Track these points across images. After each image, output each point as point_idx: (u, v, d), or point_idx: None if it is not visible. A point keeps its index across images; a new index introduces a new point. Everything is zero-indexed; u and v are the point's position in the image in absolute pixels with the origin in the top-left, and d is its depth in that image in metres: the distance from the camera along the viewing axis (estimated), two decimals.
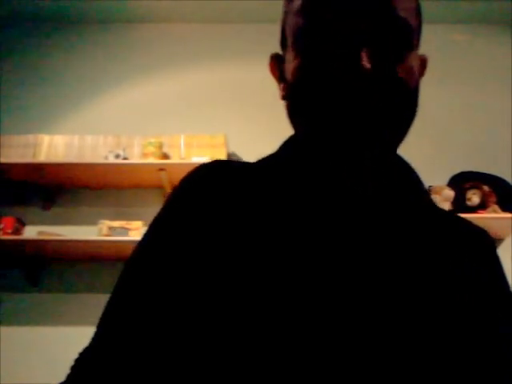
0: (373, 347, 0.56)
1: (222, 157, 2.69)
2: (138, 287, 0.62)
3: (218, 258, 0.60)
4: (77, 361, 0.61)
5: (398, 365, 0.57)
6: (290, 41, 0.67)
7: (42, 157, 2.71)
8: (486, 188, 2.57)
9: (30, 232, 2.62)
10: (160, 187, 2.66)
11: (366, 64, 0.59)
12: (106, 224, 2.50)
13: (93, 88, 3.02)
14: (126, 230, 2.46)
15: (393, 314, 0.59)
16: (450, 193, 2.56)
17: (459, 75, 3.05)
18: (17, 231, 2.56)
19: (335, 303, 0.57)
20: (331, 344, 0.56)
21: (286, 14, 0.69)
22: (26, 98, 2.98)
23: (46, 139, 2.77)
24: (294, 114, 0.67)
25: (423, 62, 0.71)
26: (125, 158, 2.65)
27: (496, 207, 2.57)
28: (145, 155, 2.66)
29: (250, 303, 0.57)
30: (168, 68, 3.04)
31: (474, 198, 2.56)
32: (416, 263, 0.63)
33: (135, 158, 2.71)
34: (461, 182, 2.63)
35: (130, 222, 2.48)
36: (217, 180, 0.65)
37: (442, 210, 0.75)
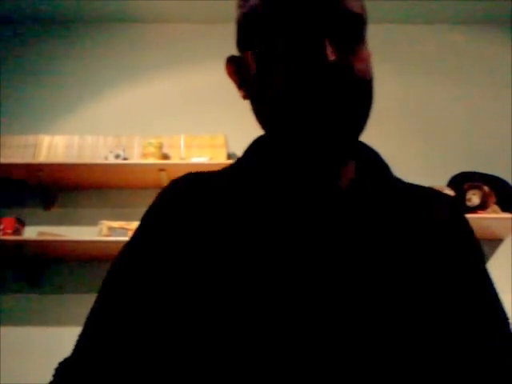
0: (336, 330, 0.58)
1: (223, 157, 2.69)
2: (110, 297, 0.65)
3: (186, 261, 0.63)
4: (61, 363, 0.64)
5: (360, 340, 0.58)
6: (252, 36, 0.67)
7: (42, 157, 2.71)
8: (485, 188, 2.57)
9: (30, 232, 2.62)
10: (160, 188, 2.65)
11: (330, 54, 0.60)
12: (105, 224, 2.50)
13: (93, 88, 3.02)
14: (126, 231, 2.46)
15: (354, 292, 0.60)
16: (449, 193, 2.56)
17: (459, 75, 3.05)
18: (17, 231, 2.56)
19: (300, 288, 0.60)
20: (298, 327, 0.58)
21: (241, 12, 0.69)
22: (25, 98, 2.97)
23: (46, 139, 2.77)
24: (260, 114, 0.69)
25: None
26: (125, 159, 2.65)
27: (496, 207, 2.57)
28: (145, 155, 2.66)
29: (218, 297, 0.60)
30: (168, 68, 3.04)
31: (473, 198, 2.56)
32: (381, 249, 0.64)
33: (135, 159, 2.71)
34: (461, 182, 2.63)
35: (130, 223, 2.48)
36: (184, 193, 0.69)
37: (411, 187, 0.75)
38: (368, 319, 0.59)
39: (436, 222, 0.69)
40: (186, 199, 0.68)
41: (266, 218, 0.64)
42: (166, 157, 2.72)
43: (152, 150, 2.65)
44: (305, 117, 0.62)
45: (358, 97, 0.63)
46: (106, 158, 2.65)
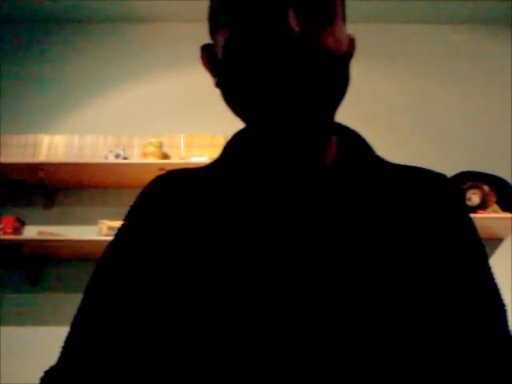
0: (316, 325, 0.56)
1: None
2: (95, 300, 0.64)
3: (170, 258, 0.62)
4: (47, 372, 0.62)
5: (340, 338, 0.56)
6: (217, 20, 0.64)
7: (42, 157, 2.71)
8: (485, 188, 2.57)
9: (30, 232, 2.62)
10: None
11: (294, 26, 0.56)
12: (106, 224, 2.50)
13: (93, 88, 3.02)
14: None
15: (342, 282, 0.58)
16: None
17: (459, 75, 3.05)
18: (17, 231, 2.56)
19: (287, 278, 0.58)
20: (275, 322, 0.56)
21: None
22: (25, 98, 2.97)
23: (46, 139, 2.77)
24: (228, 98, 0.64)
25: (352, 42, 0.68)
26: (125, 158, 2.65)
27: (496, 207, 2.57)
28: (145, 155, 2.66)
29: (203, 292, 0.58)
30: (168, 68, 3.04)
31: (473, 197, 2.56)
32: (369, 231, 0.61)
33: (135, 158, 2.71)
34: (461, 181, 2.63)
35: None
36: (164, 191, 0.68)
37: (396, 167, 0.71)
38: (355, 310, 0.57)
39: (427, 202, 0.65)
40: (168, 196, 0.67)
41: (249, 207, 0.62)
42: (166, 156, 2.72)
43: (152, 149, 2.65)
44: (268, 96, 0.58)
45: (323, 73, 0.58)
46: (106, 158, 2.65)
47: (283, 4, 0.57)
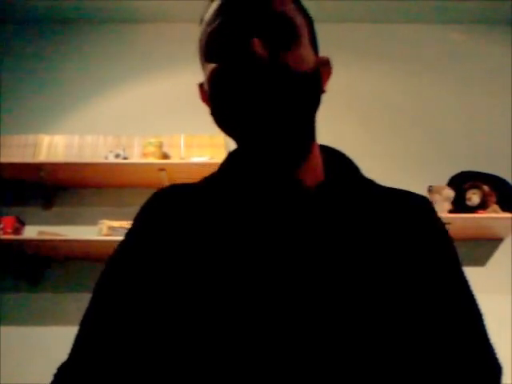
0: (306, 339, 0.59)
1: (222, 157, 2.68)
2: (103, 303, 0.69)
3: (168, 268, 0.67)
4: (59, 368, 0.66)
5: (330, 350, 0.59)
6: (200, 56, 0.73)
7: (42, 157, 2.71)
8: (485, 188, 2.57)
9: (30, 232, 2.62)
10: (160, 187, 2.66)
11: (260, 52, 0.62)
12: (106, 224, 2.50)
13: (93, 87, 3.02)
14: (126, 230, 2.46)
15: (325, 297, 0.61)
16: (449, 192, 2.56)
17: (459, 75, 3.05)
18: (17, 231, 2.56)
19: (272, 295, 0.61)
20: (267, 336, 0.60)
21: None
22: (25, 98, 2.97)
23: (45, 139, 2.77)
24: (218, 124, 0.71)
25: (325, 63, 0.74)
26: (125, 158, 2.65)
27: (496, 207, 2.57)
28: (145, 155, 2.66)
29: (195, 303, 0.63)
30: (168, 68, 3.04)
31: (473, 197, 2.56)
32: (351, 250, 0.65)
33: (135, 158, 2.71)
34: (461, 181, 2.63)
35: (130, 222, 2.47)
36: (162, 205, 0.74)
37: (381, 189, 0.75)
38: (337, 323, 0.60)
39: (407, 223, 0.69)
40: (166, 210, 0.73)
41: (237, 226, 0.67)
42: (165, 156, 2.72)
43: (152, 149, 2.65)
44: (245, 119, 0.64)
45: (291, 91, 0.63)
46: (106, 158, 2.65)
47: (249, 34, 0.64)
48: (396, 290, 0.63)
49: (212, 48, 0.68)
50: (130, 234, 0.75)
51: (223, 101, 0.66)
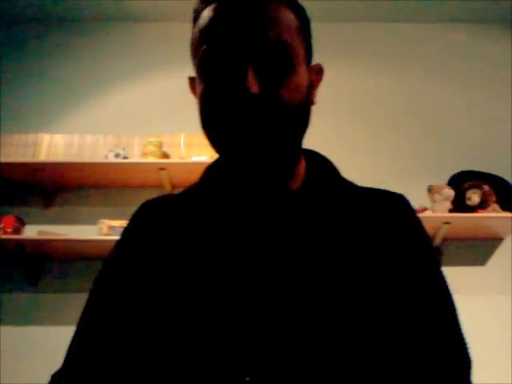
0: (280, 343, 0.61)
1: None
2: (91, 313, 0.73)
3: (150, 277, 0.70)
4: (53, 376, 0.68)
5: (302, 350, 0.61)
6: (195, 68, 0.72)
7: (42, 156, 2.71)
8: (485, 187, 2.57)
9: (30, 231, 2.62)
10: (160, 186, 2.66)
11: (252, 85, 0.62)
12: (106, 223, 2.50)
13: (93, 87, 3.02)
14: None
15: (302, 298, 0.63)
16: (449, 192, 2.56)
17: (459, 75, 3.05)
18: (17, 230, 2.56)
19: (249, 298, 0.64)
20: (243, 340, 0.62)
21: (191, 41, 0.73)
22: (25, 98, 2.98)
23: (46, 138, 2.77)
24: (206, 137, 0.73)
25: (318, 71, 0.74)
26: (125, 158, 2.65)
27: (496, 207, 2.57)
28: (145, 154, 2.66)
29: (175, 310, 0.65)
30: (168, 67, 3.04)
31: (473, 197, 2.56)
32: (330, 252, 0.66)
33: (135, 158, 2.71)
34: (461, 181, 2.63)
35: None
36: (149, 215, 0.77)
37: (361, 189, 0.76)
38: (312, 322, 0.62)
39: (383, 222, 0.70)
40: (154, 219, 0.76)
41: (221, 233, 0.69)
42: (166, 156, 2.72)
43: (152, 148, 2.65)
44: (228, 146, 0.66)
45: (279, 123, 0.64)
46: (106, 157, 2.65)
47: (244, 64, 0.63)
48: (371, 289, 0.64)
49: (206, 68, 0.67)
50: (122, 240, 0.77)
51: (212, 124, 0.69)
